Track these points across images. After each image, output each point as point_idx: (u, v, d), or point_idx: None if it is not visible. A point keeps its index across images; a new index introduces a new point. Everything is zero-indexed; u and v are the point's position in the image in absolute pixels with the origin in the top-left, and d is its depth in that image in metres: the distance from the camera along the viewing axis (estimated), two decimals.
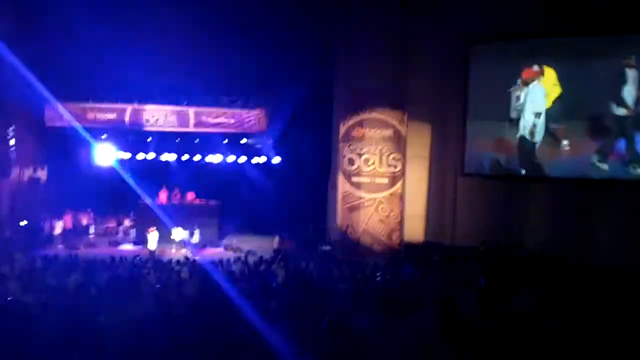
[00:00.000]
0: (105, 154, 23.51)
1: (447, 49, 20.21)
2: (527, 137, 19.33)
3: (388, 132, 20.48)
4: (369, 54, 20.32)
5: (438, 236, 20.41)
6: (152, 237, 20.81)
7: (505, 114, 19.58)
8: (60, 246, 21.57)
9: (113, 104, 23.55)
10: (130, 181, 23.49)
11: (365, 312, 12.02)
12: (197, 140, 24.99)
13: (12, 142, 21.25)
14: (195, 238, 21.81)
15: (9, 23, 20.57)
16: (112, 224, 24.33)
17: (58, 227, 22.20)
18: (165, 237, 21.75)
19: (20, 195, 23.04)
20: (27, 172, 24.65)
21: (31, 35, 21.04)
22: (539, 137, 19.21)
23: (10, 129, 21.01)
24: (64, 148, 24.10)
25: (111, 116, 23.59)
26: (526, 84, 19.27)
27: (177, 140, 25.19)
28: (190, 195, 24.26)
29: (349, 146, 20.82)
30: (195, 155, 25.17)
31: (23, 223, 21.78)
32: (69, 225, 22.81)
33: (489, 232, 19.00)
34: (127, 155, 24.89)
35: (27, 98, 21.98)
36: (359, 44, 20.39)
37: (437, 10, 19.91)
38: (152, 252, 20.43)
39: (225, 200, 24.36)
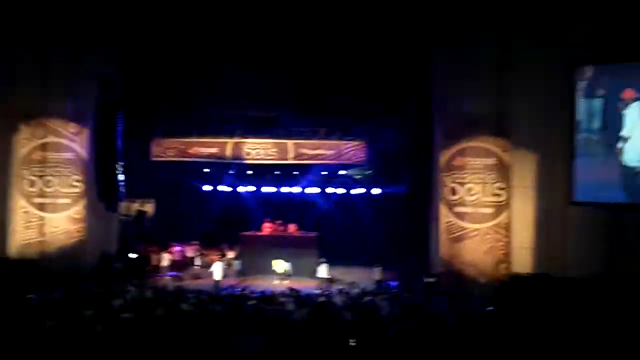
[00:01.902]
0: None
1: (550, 74, 19.70)
2: (635, 162, 18.50)
3: (491, 161, 20.05)
4: (469, 81, 20.05)
5: (547, 267, 19.73)
6: (217, 267, 21.07)
7: (613, 139, 18.85)
8: (168, 278, 22.10)
9: (214, 138, 24.06)
10: (233, 213, 24.01)
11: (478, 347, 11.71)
12: (296, 172, 25.23)
13: (120, 177, 21.94)
14: (323, 271, 21.66)
15: (116, 64, 21.41)
16: (216, 255, 24.76)
17: (165, 259, 22.76)
18: (267, 269, 22.02)
19: (129, 228, 23.81)
20: (135, 206, 25.53)
21: (136, 74, 21.85)
22: None
23: (119, 164, 21.72)
24: (169, 182, 24.79)
25: (213, 150, 24.11)
26: (626, 105, 18.52)
27: (276, 173, 25.51)
28: (291, 227, 24.46)
29: (450, 175, 20.49)
30: (294, 187, 25.41)
31: (132, 255, 22.47)
32: (176, 257, 23.38)
33: (602, 262, 18.23)
34: (228, 188, 25.39)
35: (134, 134, 22.86)
36: (459, 72, 20.16)
37: (541, 34, 19.47)
38: (217, 282, 20.67)
39: (325, 232, 24.42)
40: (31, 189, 20.86)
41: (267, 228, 24.35)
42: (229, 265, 23.88)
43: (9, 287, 16.47)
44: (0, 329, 12.51)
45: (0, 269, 19.53)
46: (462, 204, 20.31)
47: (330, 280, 21.15)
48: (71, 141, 21.12)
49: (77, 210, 21.03)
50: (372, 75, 21.55)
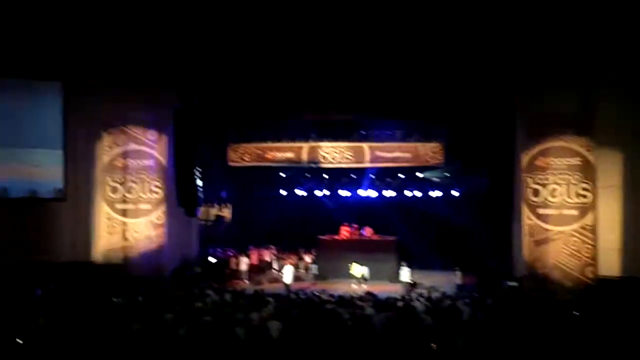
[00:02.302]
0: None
1: (634, 69, 18.95)
2: None
3: (575, 161, 19.42)
4: (551, 78, 19.47)
5: (636, 270, 18.94)
6: (288, 271, 20.99)
7: None
8: (246, 282, 22.24)
9: (290, 143, 24.10)
10: (310, 217, 24.01)
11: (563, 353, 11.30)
12: (373, 175, 25.03)
13: (199, 182, 22.21)
14: (405, 275, 21.31)
15: (193, 72, 21.69)
16: (293, 259, 24.80)
17: (243, 263, 22.92)
18: (344, 273, 21.92)
19: (207, 233, 24.09)
20: (213, 211, 25.83)
21: (213, 82, 22.09)
22: None
23: (197, 170, 21.98)
24: (246, 187, 24.99)
25: (289, 154, 24.14)
26: None
27: (353, 176, 25.37)
28: (368, 231, 24.29)
29: (533, 176, 19.94)
30: (371, 190, 25.22)
31: (211, 259, 22.73)
32: (254, 261, 23.53)
33: None
34: (304, 193, 25.42)
35: (211, 141, 23.14)
36: (541, 69, 19.59)
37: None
38: (287, 286, 20.60)
39: (403, 235, 24.15)
40: (114, 196, 21.33)
41: (344, 232, 24.26)
42: (306, 269, 23.89)
43: (94, 290, 16.87)
44: (88, 331, 12.81)
45: (86, 273, 20.07)
46: (545, 205, 19.74)
47: (412, 285, 20.79)
48: (151, 148, 21.53)
49: (158, 215, 21.40)
50: (450, 75, 21.12)
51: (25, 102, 20.79)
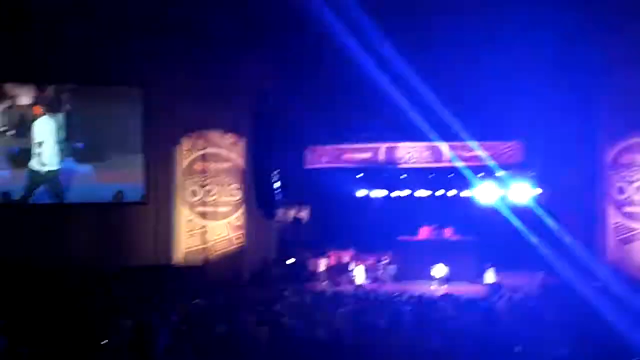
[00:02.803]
0: None
1: None
2: None
3: None
4: (635, 71, 18.81)
5: None
6: (360, 271, 20.84)
7: None
8: (325, 283, 22.29)
9: (368, 144, 24.01)
10: (387, 218, 23.85)
11: None
12: (451, 175, 24.69)
13: (276, 184, 22.41)
14: (490, 277, 20.91)
15: (270, 75, 21.90)
16: (371, 261, 24.70)
17: (322, 265, 22.98)
18: (423, 273, 21.73)
19: (286, 235, 24.28)
20: (291, 213, 26.00)
21: (289, 84, 22.28)
22: None
23: (275, 172, 22.19)
24: (323, 188, 25.03)
25: (366, 155, 24.06)
26: None
27: (431, 176, 25.09)
28: (448, 232, 23.99)
29: (618, 174, 19.31)
30: (450, 190, 24.89)
31: (290, 261, 22.89)
32: (332, 262, 23.56)
33: None
34: (382, 193, 25.30)
35: (288, 143, 23.31)
36: (624, 60, 18.93)
37: None
38: (358, 287, 20.44)
39: (483, 235, 23.72)
40: (193, 199, 21.78)
41: (423, 232, 24.02)
42: (385, 270, 23.77)
43: (176, 292, 17.23)
44: (170, 333, 13.08)
45: (168, 275, 20.52)
46: (631, 203, 19.09)
47: (498, 286, 20.28)
48: (229, 151, 21.91)
49: (237, 217, 21.75)
50: (525, 70, 20.67)
51: (111, 108, 21.45)
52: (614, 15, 18.66)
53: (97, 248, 20.79)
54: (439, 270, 21.51)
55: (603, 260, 19.98)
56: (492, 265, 20.96)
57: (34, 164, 20.71)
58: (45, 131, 20.85)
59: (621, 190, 19.22)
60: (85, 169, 21.17)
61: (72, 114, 20.97)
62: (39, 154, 20.73)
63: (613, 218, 19.44)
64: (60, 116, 20.88)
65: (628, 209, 19.11)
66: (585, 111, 20.24)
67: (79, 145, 21.11)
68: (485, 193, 24.25)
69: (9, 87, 20.53)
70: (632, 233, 19.07)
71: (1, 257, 19.11)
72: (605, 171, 19.74)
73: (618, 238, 19.34)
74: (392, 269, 23.50)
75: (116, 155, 21.36)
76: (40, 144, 20.73)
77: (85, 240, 20.87)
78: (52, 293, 17.32)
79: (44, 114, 20.75)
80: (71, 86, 20.96)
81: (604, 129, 19.87)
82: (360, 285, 20.72)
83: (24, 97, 20.61)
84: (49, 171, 20.82)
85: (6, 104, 20.46)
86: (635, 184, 19.04)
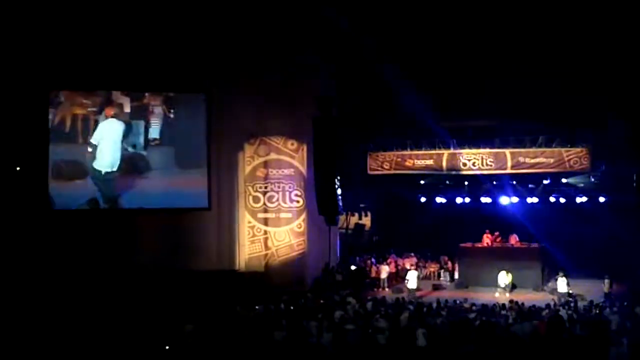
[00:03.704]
0: None
1: None
2: None
3: None
4: None
5: None
6: (412, 277, 20.62)
7: None
8: (387, 289, 22.22)
9: (430, 150, 23.84)
10: (450, 225, 23.63)
11: None
12: (515, 182, 24.34)
13: (339, 191, 22.43)
14: (562, 285, 20.02)
15: (331, 82, 21.98)
16: (434, 267, 24.54)
17: (384, 271, 22.90)
18: (487, 281, 21.48)
19: (348, 241, 24.29)
20: (353, 219, 26.02)
21: (351, 91, 22.32)
22: None
23: (337, 178, 22.22)
24: (385, 195, 24.99)
25: (429, 162, 23.87)
26: None
27: (494, 183, 24.79)
28: (512, 239, 23.66)
29: None
30: (513, 197, 24.52)
31: (352, 267, 22.90)
32: (394, 269, 23.46)
33: None
34: (444, 200, 25.11)
35: (350, 149, 23.33)
36: None
37: None
38: (411, 292, 20.32)
39: (548, 243, 23.30)
40: (255, 205, 22.00)
41: (486, 239, 23.73)
42: (447, 277, 23.61)
43: (238, 298, 17.41)
44: (232, 338, 13.25)
45: (230, 281, 20.76)
46: None
47: (569, 295, 19.76)
48: (291, 157, 22.07)
49: (299, 224, 21.88)
50: (594, 75, 20.20)
51: (177, 115, 21.87)
52: None
53: (162, 253, 21.14)
54: (505, 277, 21.17)
55: None
56: (565, 274, 20.35)
57: (95, 164, 21.20)
58: (110, 133, 21.34)
59: None
60: (150, 174, 21.61)
61: (135, 119, 21.53)
62: (101, 155, 21.20)
63: None
64: (124, 121, 21.43)
65: None
66: None
67: (143, 152, 21.61)
68: (550, 200, 23.86)
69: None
70: None
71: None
72: None
73: None
74: (455, 276, 23.33)
75: (181, 161, 21.74)
76: (100, 145, 21.19)
77: (151, 245, 21.26)
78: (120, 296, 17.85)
79: (113, 117, 21.29)
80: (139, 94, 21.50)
81: None
82: (412, 290, 20.49)
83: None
84: (107, 172, 21.23)
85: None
86: None
